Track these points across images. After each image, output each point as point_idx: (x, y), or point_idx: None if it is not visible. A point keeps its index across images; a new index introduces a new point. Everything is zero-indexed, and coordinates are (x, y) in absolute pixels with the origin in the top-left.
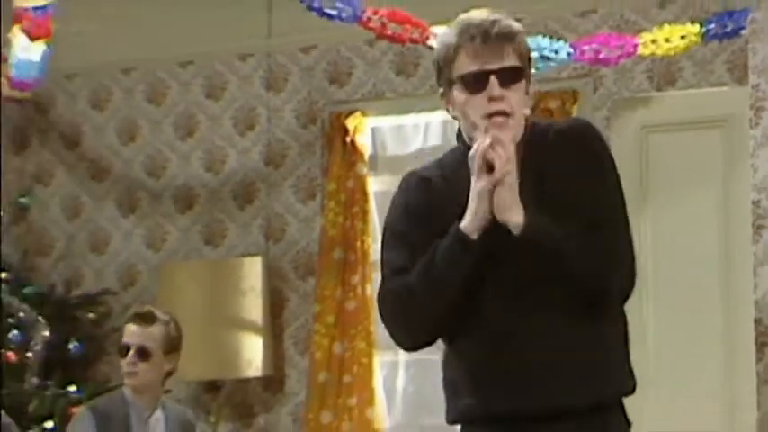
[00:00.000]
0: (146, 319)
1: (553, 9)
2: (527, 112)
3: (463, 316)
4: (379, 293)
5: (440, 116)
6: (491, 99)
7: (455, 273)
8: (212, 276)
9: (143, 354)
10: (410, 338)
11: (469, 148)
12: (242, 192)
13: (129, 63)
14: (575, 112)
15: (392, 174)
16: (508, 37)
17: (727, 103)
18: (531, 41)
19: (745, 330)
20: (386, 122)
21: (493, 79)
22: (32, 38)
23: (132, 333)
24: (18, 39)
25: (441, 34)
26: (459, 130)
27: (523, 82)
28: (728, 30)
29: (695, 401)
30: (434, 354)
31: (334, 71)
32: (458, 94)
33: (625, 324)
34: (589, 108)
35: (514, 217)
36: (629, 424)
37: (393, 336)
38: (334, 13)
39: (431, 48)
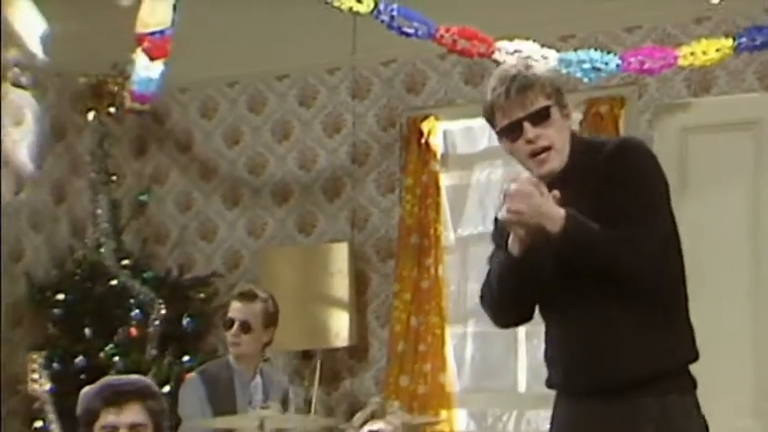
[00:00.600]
0: (248, 297)
1: (603, 25)
2: (567, 132)
3: (547, 306)
4: None
5: None
6: (528, 142)
7: (510, 278)
8: (305, 260)
9: (245, 327)
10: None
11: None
12: (330, 186)
13: (232, 78)
14: (622, 116)
15: (461, 170)
16: (527, 87)
17: (756, 107)
18: (584, 54)
19: None
20: (456, 125)
21: (525, 124)
22: (152, 58)
23: (236, 309)
24: (140, 59)
25: (484, 94)
26: None
27: (554, 115)
28: (758, 43)
29: (725, 392)
30: (494, 326)
31: (411, 81)
32: (504, 142)
33: (677, 305)
34: (635, 112)
35: (549, 226)
36: (694, 386)
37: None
38: (411, 31)
39: (495, 61)
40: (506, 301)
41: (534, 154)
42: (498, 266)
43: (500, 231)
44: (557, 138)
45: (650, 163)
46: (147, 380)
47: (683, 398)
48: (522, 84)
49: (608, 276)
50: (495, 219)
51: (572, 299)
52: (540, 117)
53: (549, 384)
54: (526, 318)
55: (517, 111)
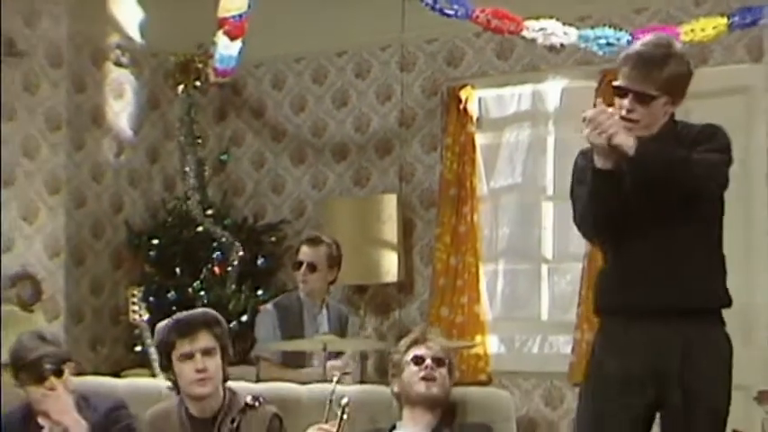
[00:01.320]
0: (314, 242)
1: (616, 8)
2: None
3: (625, 229)
4: None
5: (529, 88)
6: (623, 108)
7: (603, 190)
8: (360, 209)
9: (312, 267)
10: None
11: None
12: (382, 146)
13: (299, 54)
14: None
15: (493, 131)
16: (649, 71)
17: (747, 76)
18: (600, 32)
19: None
20: (489, 93)
21: (630, 95)
22: (232, 38)
23: (304, 252)
24: (221, 39)
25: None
26: None
27: (656, 102)
28: (748, 21)
29: None
30: (522, 264)
31: (451, 56)
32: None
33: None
34: None
35: (623, 140)
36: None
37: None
38: (451, 12)
39: (523, 37)
40: (600, 217)
41: (622, 119)
42: (590, 187)
43: (581, 167)
44: (648, 119)
45: (728, 145)
46: (211, 311)
47: (722, 332)
48: (652, 65)
49: (683, 196)
50: (576, 160)
51: (650, 225)
52: (642, 99)
53: (605, 307)
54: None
55: (633, 83)
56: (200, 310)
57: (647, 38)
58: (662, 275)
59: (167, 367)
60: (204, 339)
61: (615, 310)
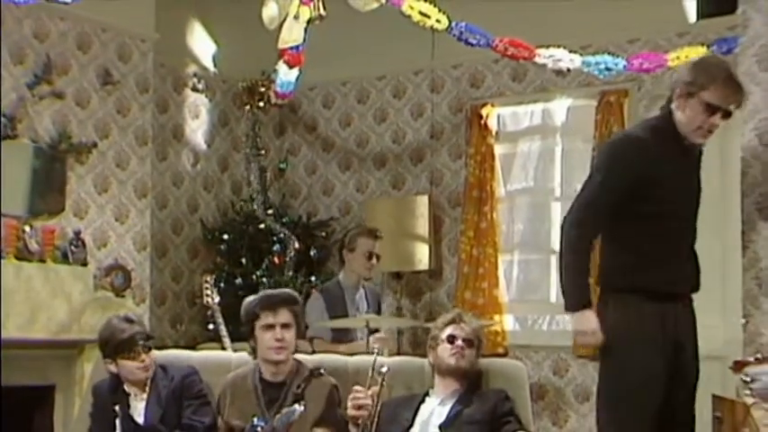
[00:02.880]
0: (380, 236)
1: (613, 38)
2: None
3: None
4: None
5: (539, 106)
6: (711, 123)
7: None
8: (397, 208)
9: (378, 258)
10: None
11: (671, 129)
12: (415, 155)
13: (345, 79)
14: (626, 103)
15: (509, 142)
16: (738, 99)
17: None
18: (600, 58)
19: (736, 251)
20: (506, 110)
21: (719, 113)
22: (290, 66)
23: (375, 245)
24: (281, 67)
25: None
26: (670, 111)
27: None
28: (724, 50)
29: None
30: (534, 255)
31: (473, 79)
32: (693, 105)
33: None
34: (635, 101)
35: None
36: None
37: None
38: (474, 42)
39: (535, 63)
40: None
41: (703, 129)
42: None
43: (630, 183)
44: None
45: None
46: (293, 292)
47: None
48: (742, 92)
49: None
50: (616, 177)
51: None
52: (726, 115)
53: (633, 287)
54: None
55: (728, 103)
56: (283, 290)
57: (721, 61)
58: (669, 264)
59: (250, 335)
60: (284, 315)
61: (633, 290)
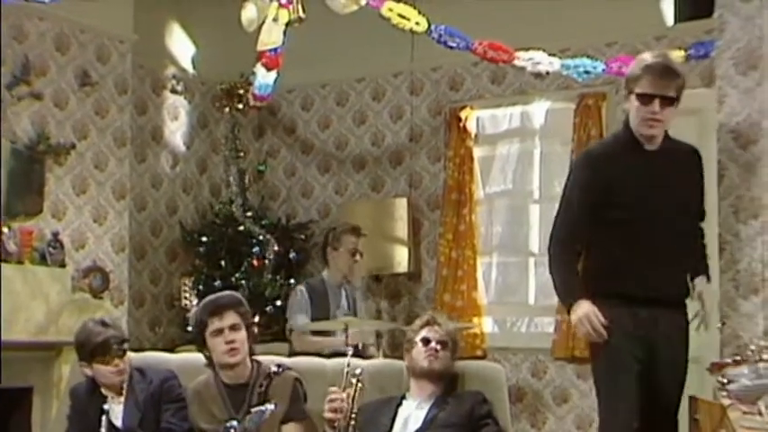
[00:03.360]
0: (361, 233)
1: (591, 41)
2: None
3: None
4: None
5: (518, 109)
6: (652, 112)
7: None
8: (376, 210)
9: (361, 254)
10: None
11: (629, 136)
12: (394, 158)
13: (324, 81)
14: (604, 106)
15: (488, 145)
16: (674, 78)
17: (699, 100)
18: (579, 61)
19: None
20: (485, 113)
21: (656, 100)
22: (268, 69)
23: (358, 242)
24: (259, 69)
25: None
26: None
27: (674, 106)
28: (701, 54)
29: None
30: (513, 257)
31: (453, 82)
32: (631, 100)
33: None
34: (613, 104)
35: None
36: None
37: None
38: (453, 44)
39: (514, 66)
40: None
41: (648, 120)
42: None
43: (587, 177)
44: (667, 119)
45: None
46: (236, 293)
47: (684, 318)
48: (673, 74)
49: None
50: (580, 165)
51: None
52: (668, 102)
53: (607, 292)
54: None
55: (660, 89)
56: (226, 292)
57: (658, 53)
58: (643, 269)
59: (202, 344)
60: (230, 317)
61: (608, 295)
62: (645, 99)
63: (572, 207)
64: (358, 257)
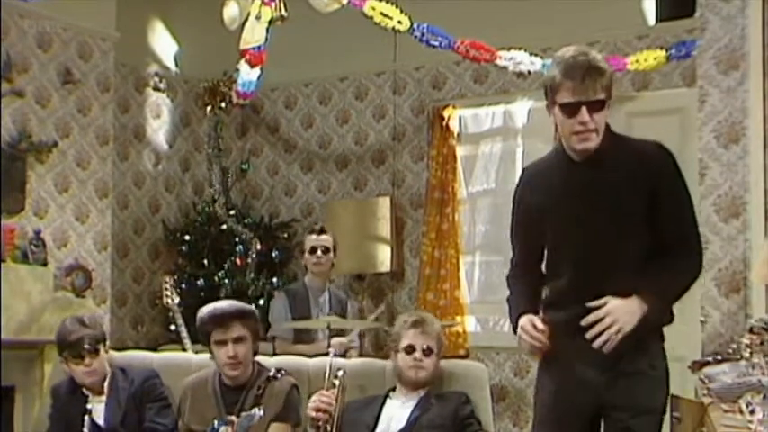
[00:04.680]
0: (323, 230)
1: (573, 41)
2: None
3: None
4: None
5: (501, 108)
6: (581, 123)
7: None
8: (359, 209)
9: (325, 250)
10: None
11: (564, 149)
12: (377, 157)
13: (308, 80)
14: None
15: (471, 144)
16: (597, 79)
17: (681, 99)
18: None
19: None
20: (467, 112)
21: (584, 108)
22: (252, 66)
23: (317, 239)
24: (243, 67)
25: (551, 66)
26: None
27: (605, 106)
28: (683, 53)
29: None
30: (496, 256)
31: (435, 81)
32: (556, 113)
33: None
34: None
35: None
36: None
37: None
38: (436, 43)
39: (497, 65)
40: None
41: (579, 132)
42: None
43: (528, 216)
44: (601, 124)
45: (682, 177)
46: (246, 306)
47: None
48: (596, 73)
49: None
50: (515, 216)
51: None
52: (597, 107)
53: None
54: None
55: (582, 95)
56: (235, 303)
57: (571, 50)
58: (579, 302)
59: (207, 345)
60: (236, 329)
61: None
62: (570, 109)
63: (512, 224)
64: (320, 254)
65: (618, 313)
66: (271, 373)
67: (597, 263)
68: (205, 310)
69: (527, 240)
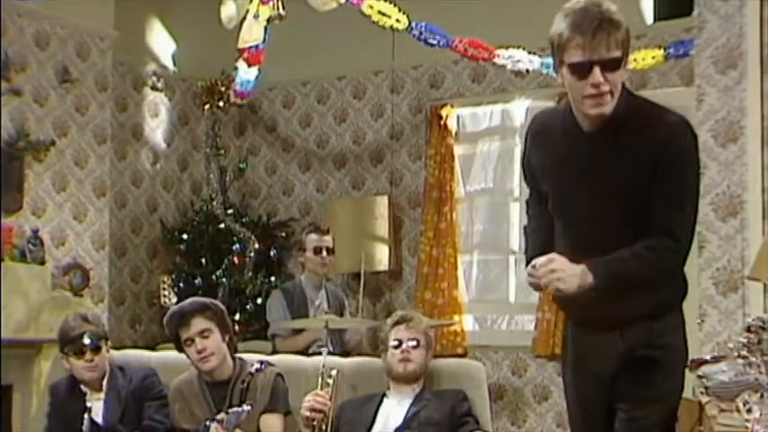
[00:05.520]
0: (327, 230)
1: None
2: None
3: None
4: None
5: (499, 107)
6: (593, 85)
7: None
8: (357, 208)
9: (330, 251)
10: None
11: (573, 114)
12: (375, 156)
13: (305, 79)
14: None
15: (469, 143)
16: (611, 33)
17: (679, 97)
18: None
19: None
20: (465, 111)
21: (596, 68)
22: (250, 65)
23: (323, 239)
24: (241, 66)
25: (557, 19)
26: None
27: (622, 65)
28: (681, 53)
29: None
30: (494, 255)
31: (433, 80)
32: (566, 75)
33: None
34: None
35: (583, 281)
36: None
37: None
38: (434, 42)
39: (495, 64)
40: None
41: (592, 96)
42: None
43: (531, 172)
44: (617, 85)
45: (694, 159)
46: (202, 299)
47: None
48: (608, 28)
49: None
50: (522, 163)
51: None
52: (612, 66)
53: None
54: None
55: (594, 53)
56: (191, 299)
57: (582, 1)
58: None
59: (182, 349)
60: (198, 323)
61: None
62: (580, 70)
63: (523, 172)
64: (325, 254)
65: (562, 271)
66: (253, 368)
67: (593, 246)
68: (168, 313)
69: (533, 188)
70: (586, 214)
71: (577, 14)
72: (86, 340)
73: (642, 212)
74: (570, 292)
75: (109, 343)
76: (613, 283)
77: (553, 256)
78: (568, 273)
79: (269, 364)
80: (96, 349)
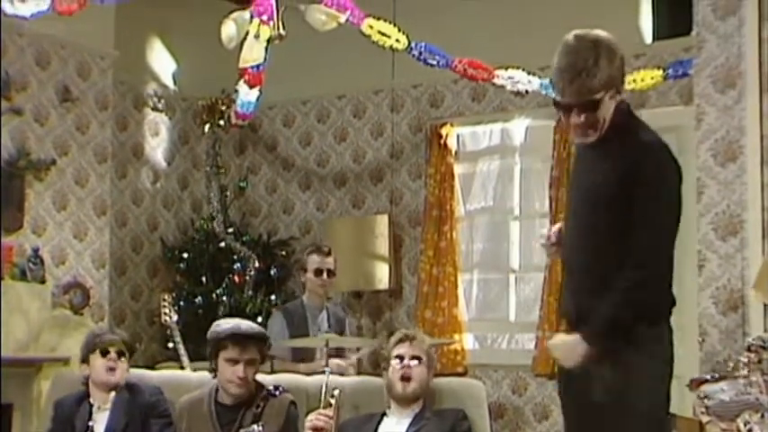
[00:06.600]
0: (330, 252)
1: None
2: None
3: None
4: None
5: (498, 126)
6: (575, 123)
7: None
8: (357, 227)
9: (331, 273)
10: None
11: None
12: (375, 175)
13: (305, 98)
14: None
15: (469, 162)
16: (584, 81)
17: (678, 117)
18: None
19: (692, 271)
20: (465, 130)
21: (575, 110)
22: (251, 86)
23: (326, 261)
24: (241, 86)
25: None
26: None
27: (603, 102)
28: (680, 73)
29: None
30: (494, 274)
31: (433, 99)
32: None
33: None
34: None
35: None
36: None
37: None
38: (434, 62)
39: (494, 84)
40: None
41: (576, 128)
42: None
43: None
44: (600, 118)
45: (663, 181)
46: (261, 327)
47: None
48: (570, 76)
49: None
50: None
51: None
52: (589, 107)
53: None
54: None
55: (570, 97)
56: (254, 326)
57: (568, 40)
58: (566, 291)
59: (212, 357)
60: (251, 351)
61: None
62: (562, 109)
63: None
64: (326, 276)
65: (559, 351)
66: (270, 390)
67: (579, 259)
68: (224, 326)
69: None
70: (575, 232)
71: (556, 64)
72: (114, 336)
73: (613, 230)
74: (577, 364)
75: (128, 358)
76: (606, 338)
77: (554, 339)
78: (565, 350)
79: (284, 390)
80: (120, 354)
